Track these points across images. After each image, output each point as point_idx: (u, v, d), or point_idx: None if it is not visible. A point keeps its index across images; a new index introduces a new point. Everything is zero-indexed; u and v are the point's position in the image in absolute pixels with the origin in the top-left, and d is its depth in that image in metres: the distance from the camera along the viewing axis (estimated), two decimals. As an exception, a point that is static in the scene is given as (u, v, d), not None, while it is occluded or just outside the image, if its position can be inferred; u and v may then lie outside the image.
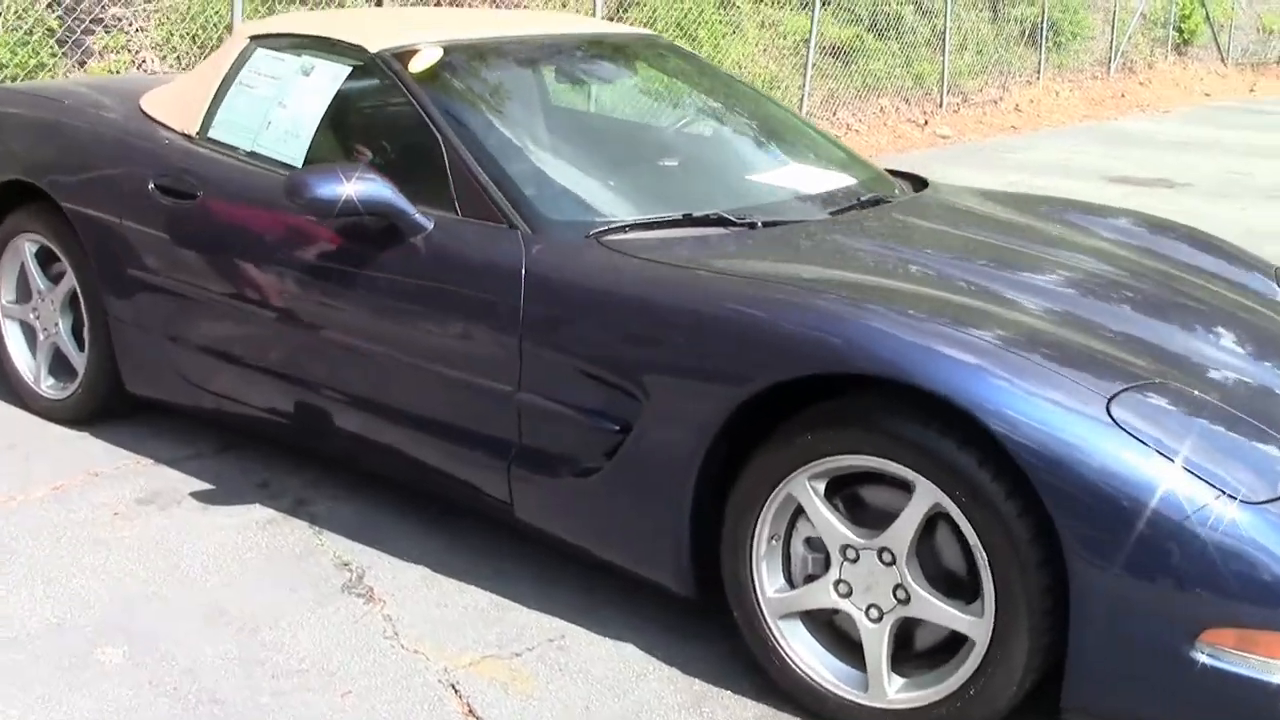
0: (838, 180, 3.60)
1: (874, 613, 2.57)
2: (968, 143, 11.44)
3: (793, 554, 2.69)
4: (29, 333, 4.13)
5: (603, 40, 3.97)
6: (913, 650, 2.62)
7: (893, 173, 3.94)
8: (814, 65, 11.27)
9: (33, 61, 6.66)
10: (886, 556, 2.54)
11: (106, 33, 8.01)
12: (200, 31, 7.84)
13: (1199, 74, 17.19)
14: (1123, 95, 14.85)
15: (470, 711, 2.65)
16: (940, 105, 12.45)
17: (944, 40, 12.35)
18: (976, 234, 3.34)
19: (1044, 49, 14.04)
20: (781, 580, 2.70)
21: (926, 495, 2.45)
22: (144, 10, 8.44)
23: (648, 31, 4.19)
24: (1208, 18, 17.60)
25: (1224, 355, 2.88)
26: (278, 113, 3.50)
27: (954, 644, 2.56)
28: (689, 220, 3.11)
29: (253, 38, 3.72)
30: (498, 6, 10.81)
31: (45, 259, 4.02)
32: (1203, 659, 2.26)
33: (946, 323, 2.55)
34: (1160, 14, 16.88)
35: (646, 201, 3.24)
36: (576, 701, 2.70)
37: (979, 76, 13.23)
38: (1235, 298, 3.28)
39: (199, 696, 2.66)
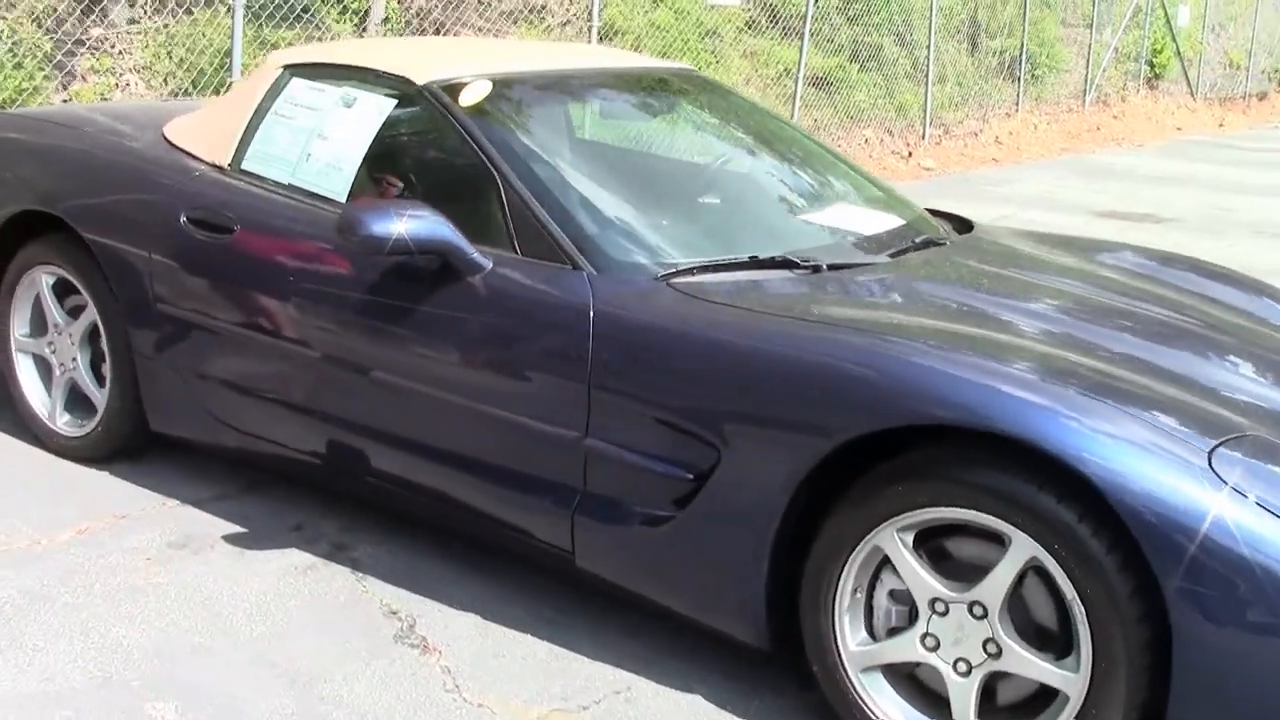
0: (887, 221, 3.55)
1: (962, 666, 2.51)
2: (952, 175, 11.48)
3: (875, 606, 2.62)
4: (44, 367, 3.99)
5: (644, 75, 3.90)
6: (995, 704, 2.56)
7: (932, 212, 3.90)
8: (799, 96, 11.28)
9: (29, 85, 6.50)
10: (978, 610, 2.47)
11: (93, 55, 7.87)
12: (188, 55, 7.71)
13: (1169, 108, 17.41)
14: (1098, 128, 15.00)
15: (545, 770, 2.56)
16: (923, 137, 12.50)
17: (927, 72, 12.41)
18: (1038, 278, 3.30)
19: (1023, 82, 14.15)
20: (864, 633, 2.63)
21: (1023, 549, 2.39)
22: (127, 33, 8.32)
23: (683, 65, 4.13)
24: (1178, 52, 17.83)
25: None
26: (318, 145, 3.40)
27: (1039, 698, 2.50)
28: (755, 263, 3.04)
29: (286, 67, 3.62)
30: (479, 34, 10.77)
31: (62, 291, 3.90)
32: (1317, 719, 2.21)
33: (1046, 376, 2.50)
34: (1132, 48, 17.08)
35: (709, 243, 3.18)
36: (653, 759, 2.62)
37: (959, 108, 13.31)
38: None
39: (260, 756, 2.55)
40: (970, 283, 3.18)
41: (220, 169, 3.58)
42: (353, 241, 2.91)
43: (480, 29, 11.04)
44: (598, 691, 2.84)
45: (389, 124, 3.33)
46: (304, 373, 3.29)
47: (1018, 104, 14.16)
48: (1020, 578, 2.45)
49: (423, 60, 3.47)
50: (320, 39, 8.68)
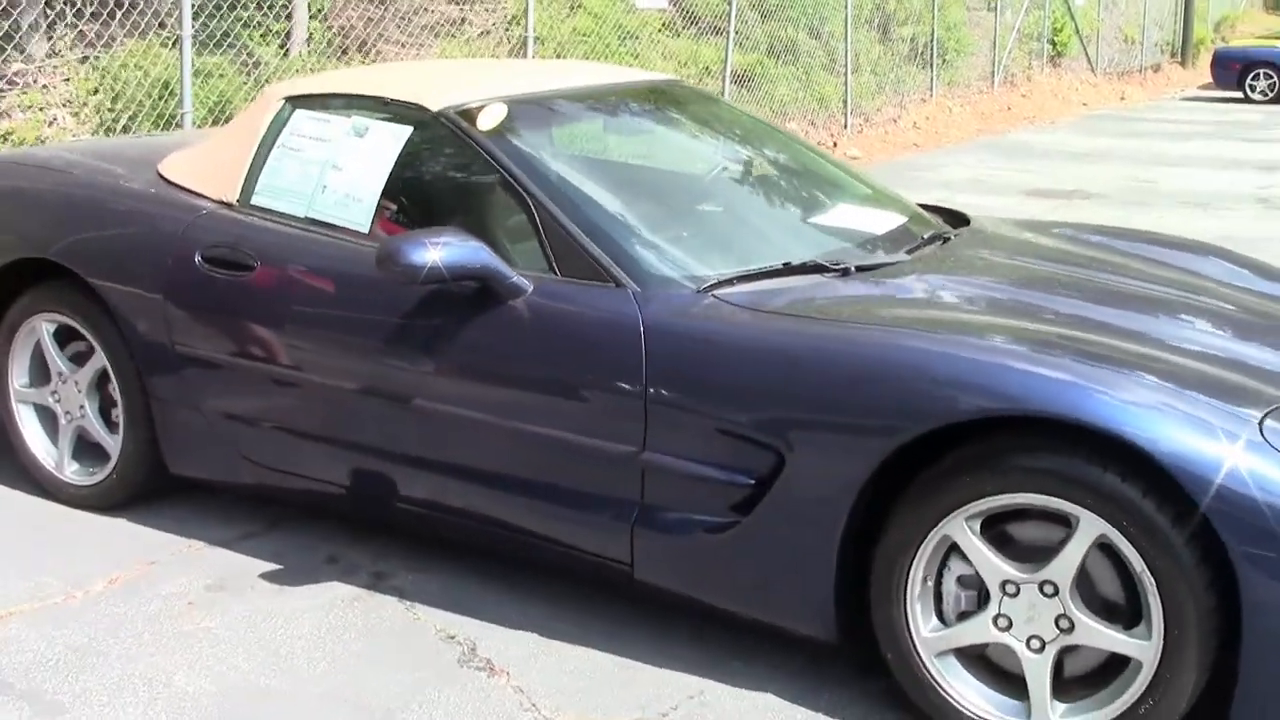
0: (890, 219, 3.64)
1: (1035, 643, 2.60)
2: (879, 163, 11.67)
3: (944, 593, 2.70)
4: (47, 417, 3.92)
5: (640, 89, 3.94)
6: (1062, 676, 2.65)
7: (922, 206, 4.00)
8: (727, 94, 11.39)
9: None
10: (1048, 589, 2.56)
11: (24, 92, 7.70)
12: (124, 89, 7.56)
13: (1073, 84, 17.87)
14: (1009, 108, 15.35)
15: (642, 780, 2.60)
16: (845, 126, 12.70)
17: (846, 63, 12.60)
18: (1050, 267, 3.41)
19: (935, 67, 14.43)
20: (935, 619, 2.71)
21: (1092, 527, 2.49)
22: (52, 68, 8.14)
23: (671, 76, 4.18)
24: (1077, 30, 18.31)
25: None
26: (332, 176, 3.39)
27: (1107, 668, 2.60)
28: (788, 269, 3.11)
29: (287, 99, 3.60)
30: (402, 49, 10.72)
31: (63, 339, 3.83)
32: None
33: (1098, 361, 2.60)
34: (1034, 28, 17.50)
35: (737, 252, 3.23)
36: (743, 760, 2.67)
37: (877, 97, 13.54)
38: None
39: (357, 792, 2.55)
40: (992, 275, 3.28)
41: (229, 205, 3.55)
42: (394, 271, 2.92)
43: (403, 44, 10.98)
44: (672, 698, 2.88)
45: (407, 152, 3.33)
46: (339, 405, 3.28)
47: (931, 89, 14.45)
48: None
49: (430, 86, 3.48)
50: (247, 64, 8.59)
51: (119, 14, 7.56)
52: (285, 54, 9.59)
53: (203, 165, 3.70)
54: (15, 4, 7.34)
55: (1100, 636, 2.54)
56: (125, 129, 7.38)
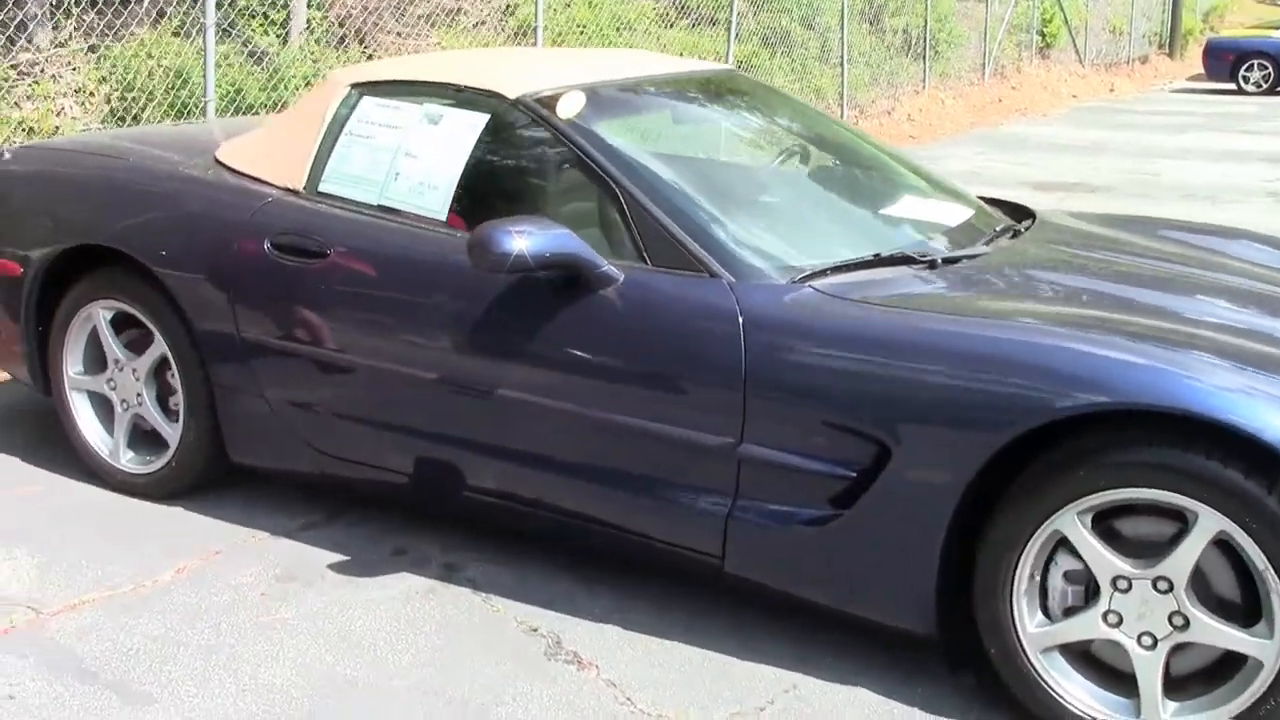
0: (959, 211, 3.63)
1: (1147, 640, 2.59)
2: (880, 153, 11.66)
3: (1050, 588, 2.69)
4: (102, 405, 3.86)
5: (705, 78, 3.90)
6: (1169, 675, 2.63)
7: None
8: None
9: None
10: (1162, 584, 2.55)
11: (37, 83, 7.57)
12: (135, 78, 7.43)
13: (1062, 76, 17.94)
14: (1000, 100, 15.39)
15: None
16: (841, 118, 12.67)
17: (842, 54, 12.59)
18: (1131, 260, 3.41)
19: (928, 59, 14.45)
20: (1040, 615, 2.70)
21: (1211, 523, 2.48)
22: (57, 57, 8.01)
23: (729, 66, 4.15)
24: (1066, 21, 18.37)
25: None
26: (405, 163, 3.34)
27: (1219, 667, 2.59)
28: (878, 261, 3.09)
29: (354, 85, 3.55)
30: (399, 39, 10.63)
31: (118, 326, 3.78)
32: None
33: (1211, 355, 2.60)
34: (1023, 19, 17.55)
35: (826, 243, 3.21)
36: (848, 754, 2.66)
37: (871, 89, 13.54)
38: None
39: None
40: (1073, 267, 3.28)
41: (294, 192, 3.49)
42: (487, 258, 2.88)
43: (400, 34, 10.90)
44: (767, 692, 2.86)
45: (482, 139, 3.29)
46: (414, 394, 3.24)
47: (925, 81, 14.46)
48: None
49: (503, 73, 3.44)
50: (254, 53, 8.49)
51: (118, 3, 7.44)
52: (284, 43, 9.49)
53: (265, 152, 3.65)
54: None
55: (1218, 634, 2.53)
56: (136, 119, 7.27)
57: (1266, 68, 18.52)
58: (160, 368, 3.71)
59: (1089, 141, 12.88)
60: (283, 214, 3.43)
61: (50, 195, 3.83)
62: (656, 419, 2.94)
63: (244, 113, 7.60)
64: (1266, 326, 2.97)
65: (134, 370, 3.73)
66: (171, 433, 3.69)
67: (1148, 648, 2.59)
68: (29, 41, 7.55)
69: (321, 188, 3.47)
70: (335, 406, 3.39)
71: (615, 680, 2.89)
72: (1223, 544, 2.51)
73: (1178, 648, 2.59)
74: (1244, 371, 2.55)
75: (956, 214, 3.58)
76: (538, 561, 3.40)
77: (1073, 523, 2.59)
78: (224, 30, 8.14)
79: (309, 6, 9.68)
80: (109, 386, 3.81)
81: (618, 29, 11.76)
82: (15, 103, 7.45)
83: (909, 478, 2.70)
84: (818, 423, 2.78)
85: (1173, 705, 2.60)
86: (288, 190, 3.51)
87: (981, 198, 4.01)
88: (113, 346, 3.75)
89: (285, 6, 9.39)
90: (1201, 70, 19.99)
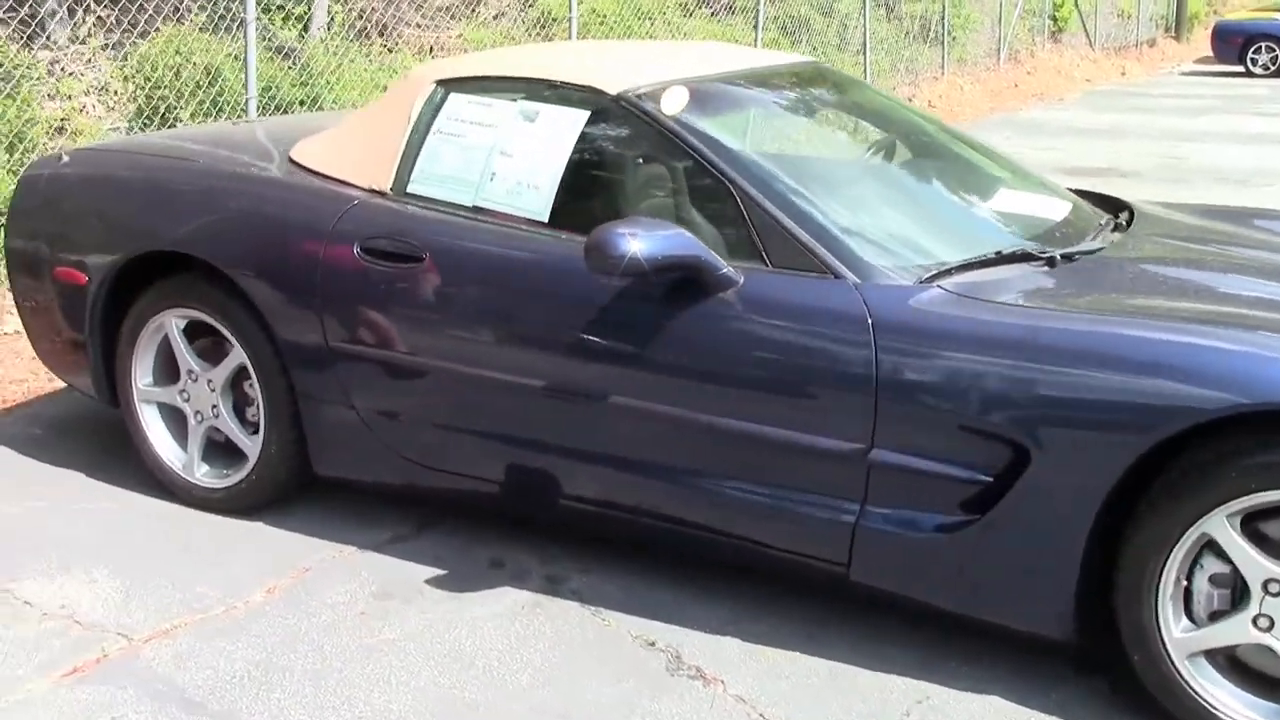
0: (1059, 205, 3.52)
1: (1301, 645, 2.50)
2: (903, 141, 11.56)
3: (1195, 592, 2.59)
4: (173, 417, 3.74)
5: (798, 72, 3.78)
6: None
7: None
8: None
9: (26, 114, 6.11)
10: (1317, 588, 2.46)
11: (59, 80, 7.43)
12: (163, 75, 7.28)
13: (1074, 60, 17.83)
14: (1016, 85, 15.28)
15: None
16: (864, 106, 12.57)
17: (865, 42, 12.47)
18: (1240, 253, 3.31)
19: (946, 45, 14.33)
20: (1185, 619, 2.60)
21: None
22: (78, 54, 7.87)
23: (811, 58, 4.03)
24: (1076, 5, 18.27)
25: None
26: (501, 163, 3.22)
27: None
28: (999, 259, 2.98)
29: (440, 82, 3.43)
30: (420, 31, 10.50)
31: (190, 335, 3.65)
32: None
33: None
34: (1035, 4, 17.44)
35: (944, 241, 3.09)
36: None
37: (891, 76, 13.43)
38: None
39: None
40: (1193, 262, 3.19)
41: (381, 194, 3.37)
42: (606, 263, 2.77)
43: (421, 26, 10.77)
44: (900, 704, 2.76)
45: (583, 137, 3.17)
46: (518, 401, 3.12)
47: (943, 67, 14.35)
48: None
49: (598, 68, 3.31)
50: (279, 48, 8.36)
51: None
52: (304, 37, 9.36)
53: (345, 152, 3.52)
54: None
55: (1375, 638, 2.45)
56: (164, 118, 7.13)
57: (1274, 50, 18.49)
58: (237, 378, 3.59)
59: (1109, 125, 12.77)
60: (371, 216, 3.30)
61: (117, 200, 3.70)
62: (780, 425, 2.84)
63: (281, 110, 7.47)
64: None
65: (209, 381, 3.61)
66: (251, 445, 3.57)
67: (1302, 653, 2.49)
68: (48, 39, 7.42)
69: (410, 189, 3.35)
70: (431, 415, 3.27)
71: (744, 695, 2.79)
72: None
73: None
74: None
75: (1058, 208, 3.47)
76: (641, 571, 3.29)
77: (1222, 525, 2.50)
78: (239, 25, 8.00)
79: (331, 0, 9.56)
80: (182, 398, 3.69)
81: (639, 19, 11.64)
82: (38, 103, 7.32)
83: (1050, 481, 2.60)
84: (953, 427, 2.68)
85: (1331, 712, 2.51)
86: (373, 191, 3.39)
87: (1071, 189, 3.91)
88: (186, 357, 3.63)
89: (307, 0, 9.27)
90: (1208, 53, 19.93)
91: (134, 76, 7.44)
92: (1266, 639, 2.53)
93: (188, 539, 3.53)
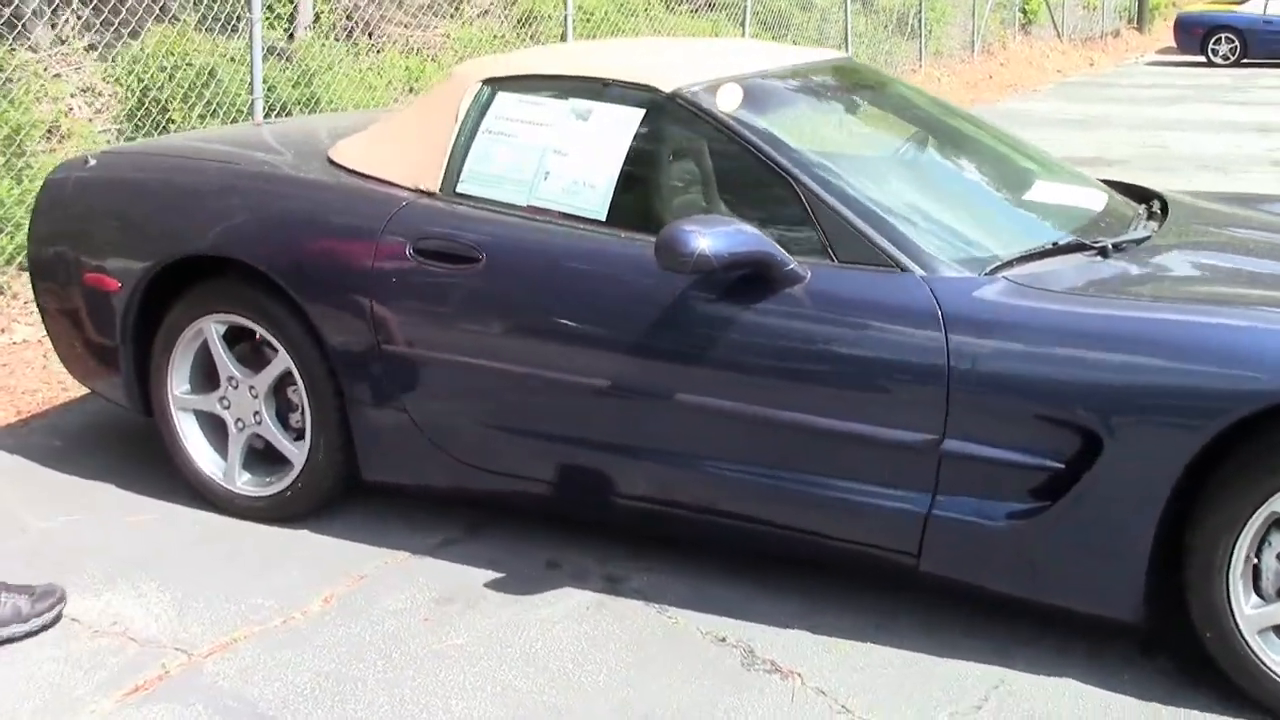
0: (1096, 195, 3.54)
1: (1369, 618, 2.53)
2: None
3: (1263, 569, 2.63)
4: (212, 425, 3.69)
5: (837, 68, 3.76)
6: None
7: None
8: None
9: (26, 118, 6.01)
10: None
11: (46, 82, 7.31)
12: (156, 77, 7.18)
13: (1044, 51, 17.99)
14: (990, 77, 15.38)
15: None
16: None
17: (846, 35, 12.51)
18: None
19: (924, 38, 14.40)
20: (1255, 596, 2.63)
21: None
22: (62, 55, 7.76)
23: (845, 54, 4.02)
24: (1044, -3, 18.47)
25: None
26: (555, 162, 3.19)
27: None
28: (1056, 249, 3.00)
29: (486, 81, 3.40)
30: (405, 29, 10.43)
31: (228, 341, 3.61)
32: None
33: None
34: (1005, -3, 17.61)
35: (1001, 233, 3.10)
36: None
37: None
38: None
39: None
40: (1240, 248, 3.23)
41: (430, 194, 3.34)
42: (676, 260, 2.75)
43: (406, 24, 10.71)
44: (978, 690, 2.77)
45: (639, 135, 3.15)
46: (581, 401, 3.09)
47: (920, 60, 14.41)
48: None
49: (650, 66, 3.29)
50: (271, 48, 8.27)
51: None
52: (290, 37, 9.28)
53: (389, 152, 3.48)
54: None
55: None
56: (157, 121, 7.04)
57: (1233, 41, 18.85)
58: (280, 384, 3.54)
59: (1087, 115, 12.88)
60: (423, 217, 3.27)
61: (152, 203, 3.63)
62: (849, 418, 2.83)
63: (283, 111, 7.40)
64: None
65: (251, 387, 3.56)
66: (297, 452, 3.52)
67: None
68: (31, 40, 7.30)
69: (460, 189, 3.31)
70: (487, 417, 3.24)
71: (824, 688, 2.78)
72: None
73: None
74: None
75: (1096, 198, 3.49)
76: (701, 568, 3.28)
77: (1291, 503, 2.53)
78: (229, 24, 7.92)
79: (315, -1, 9.49)
80: (222, 405, 3.63)
81: (625, 15, 11.63)
82: (18, 103, 7.20)
83: (1123, 467, 2.62)
84: (1026, 416, 2.69)
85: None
86: (421, 192, 3.35)
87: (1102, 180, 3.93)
88: (227, 363, 3.58)
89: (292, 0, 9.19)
90: (1169, 44, 20.26)
91: (125, 78, 7.33)
92: (1335, 613, 2.56)
93: (233, 549, 3.48)
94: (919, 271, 2.82)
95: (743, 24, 11.23)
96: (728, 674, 2.85)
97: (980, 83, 14.86)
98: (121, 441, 4.19)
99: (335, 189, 3.45)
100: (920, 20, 14.38)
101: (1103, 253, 3.04)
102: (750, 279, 2.87)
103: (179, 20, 7.38)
